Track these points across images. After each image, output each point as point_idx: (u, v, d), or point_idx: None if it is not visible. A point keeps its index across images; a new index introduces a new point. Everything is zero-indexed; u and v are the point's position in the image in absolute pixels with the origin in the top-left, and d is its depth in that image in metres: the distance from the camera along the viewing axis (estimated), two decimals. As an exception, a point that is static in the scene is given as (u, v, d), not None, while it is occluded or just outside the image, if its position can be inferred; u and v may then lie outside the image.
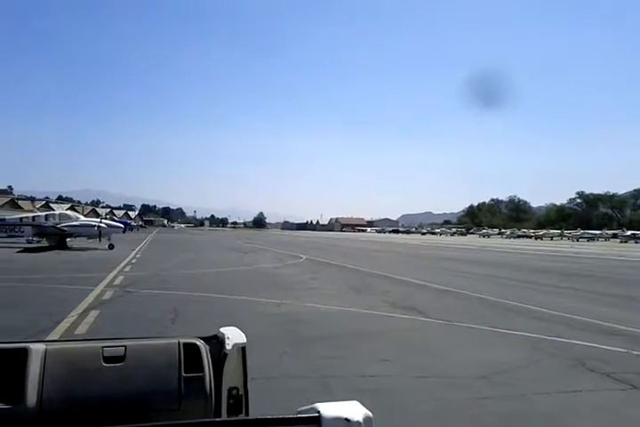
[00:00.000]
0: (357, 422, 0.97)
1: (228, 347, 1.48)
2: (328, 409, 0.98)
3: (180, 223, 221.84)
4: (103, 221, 34.43)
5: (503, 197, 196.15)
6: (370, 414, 1.00)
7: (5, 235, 32.55)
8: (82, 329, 8.38)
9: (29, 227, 32.07)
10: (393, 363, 6.96)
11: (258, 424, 0.97)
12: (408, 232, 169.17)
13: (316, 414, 0.97)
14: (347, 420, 0.97)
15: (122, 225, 37.69)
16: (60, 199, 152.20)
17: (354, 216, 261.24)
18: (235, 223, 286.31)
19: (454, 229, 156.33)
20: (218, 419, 1.36)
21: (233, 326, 1.59)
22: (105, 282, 14.73)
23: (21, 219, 34.12)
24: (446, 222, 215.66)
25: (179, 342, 1.48)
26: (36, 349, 1.37)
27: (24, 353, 1.35)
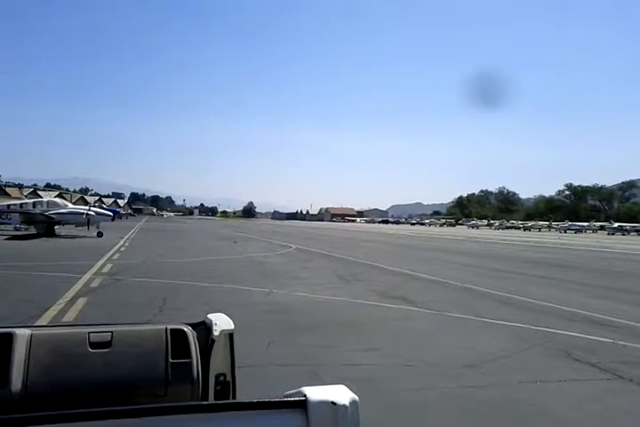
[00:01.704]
0: (344, 405, 0.97)
1: (216, 333, 1.48)
2: (314, 393, 0.98)
3: (169, 212, 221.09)
4: (92, 208, 34.22)
5: (492, 188, 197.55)
6: (356, 397, 1.00)
7: (-8, 222, 32.31)
8: (69, 316, 8.35)
9: (17, 214, 31.78)
10: (381, 352, 6.99)
11: (245, 407, 0.96)
12: (397, 223, 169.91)
13: (303, 398, 0.97)
14: (333, 403, 0.96)
15: (110, 213, 37.47)
16: (48, 187, 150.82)
17: (344, 206, 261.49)
18: (224, 212, 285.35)
19: (443, 220, 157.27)
20: (205, 402, 1.36)
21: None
22: (93, 270, 14.66)
23: (9, 206, 33.80)
24: (435, 213, 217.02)
25: (166, 329, 1.47)
26: (22, 334, 1.36)
27: (9, 338, 1.34)
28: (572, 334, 8.28)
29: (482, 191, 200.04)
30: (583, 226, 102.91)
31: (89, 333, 1.41)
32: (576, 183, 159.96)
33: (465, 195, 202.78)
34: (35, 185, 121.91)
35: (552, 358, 6.94)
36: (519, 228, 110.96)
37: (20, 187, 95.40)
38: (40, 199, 38.30)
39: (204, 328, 1.53)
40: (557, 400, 5.33)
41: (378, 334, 8.11)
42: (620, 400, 5.39)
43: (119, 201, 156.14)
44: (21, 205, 34.00)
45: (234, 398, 1.49)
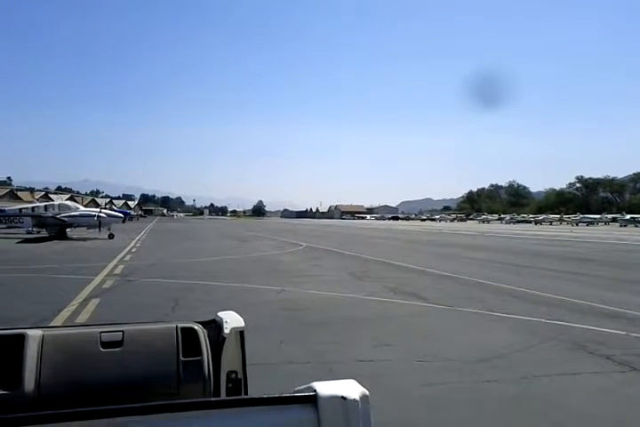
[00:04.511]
0: (354, 400, 0.97)
1: (227, 331, 1.48)
2: (325, 388, 0.98)
3: (179, 212, 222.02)
4: (103, 210, 34.41)
5: (503, 182, 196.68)
6: (366, 392, 1.00)
7: (5, 226, 32.55)
8: (82, 318, 8.40)
9: (29, 217, 32.06)
10: (394, 348, 6.98)
11: (255, 403, 0.96)
12: (408, 219, 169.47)
13: (313, 393, 0.97)
14: (343, 398, 0.96)
15: (121, 215, 37.74)
16: (60, 190, 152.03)
17: (353, 203, 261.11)
18: (234, 212, 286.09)
19: (454, 216, 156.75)
20: (214, 398, 1.36)
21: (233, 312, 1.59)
22: (105, 271, 14.75)
23: (21, 210, 34.10)
24: (446, 209, 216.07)
25: (177, 327, 1.48)
26: (34, 334, 1.37)
27: (21, 339, 1.35)
28: (586, 326, 8.23)
29: (492, 186, 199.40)
30: (595, 218, 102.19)
31: (100, 332, 1.42)
32: (587, 176, 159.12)
33: (475, 189, 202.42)
34: (46, 188, 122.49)
35: (566, 351, 6.90)
36: (530, 221, 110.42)
37: (32, 190, 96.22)
38: (51, 202, 38.55)
39: (214, 326, 1.54)
40: (572, 393, 5.31)
41: (391, 330, 8.10)
42: (634, 391, 5.36)
43: (130, 203, 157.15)
44: (33, 208, 34.27)
45: (246, 395, 1.50)
